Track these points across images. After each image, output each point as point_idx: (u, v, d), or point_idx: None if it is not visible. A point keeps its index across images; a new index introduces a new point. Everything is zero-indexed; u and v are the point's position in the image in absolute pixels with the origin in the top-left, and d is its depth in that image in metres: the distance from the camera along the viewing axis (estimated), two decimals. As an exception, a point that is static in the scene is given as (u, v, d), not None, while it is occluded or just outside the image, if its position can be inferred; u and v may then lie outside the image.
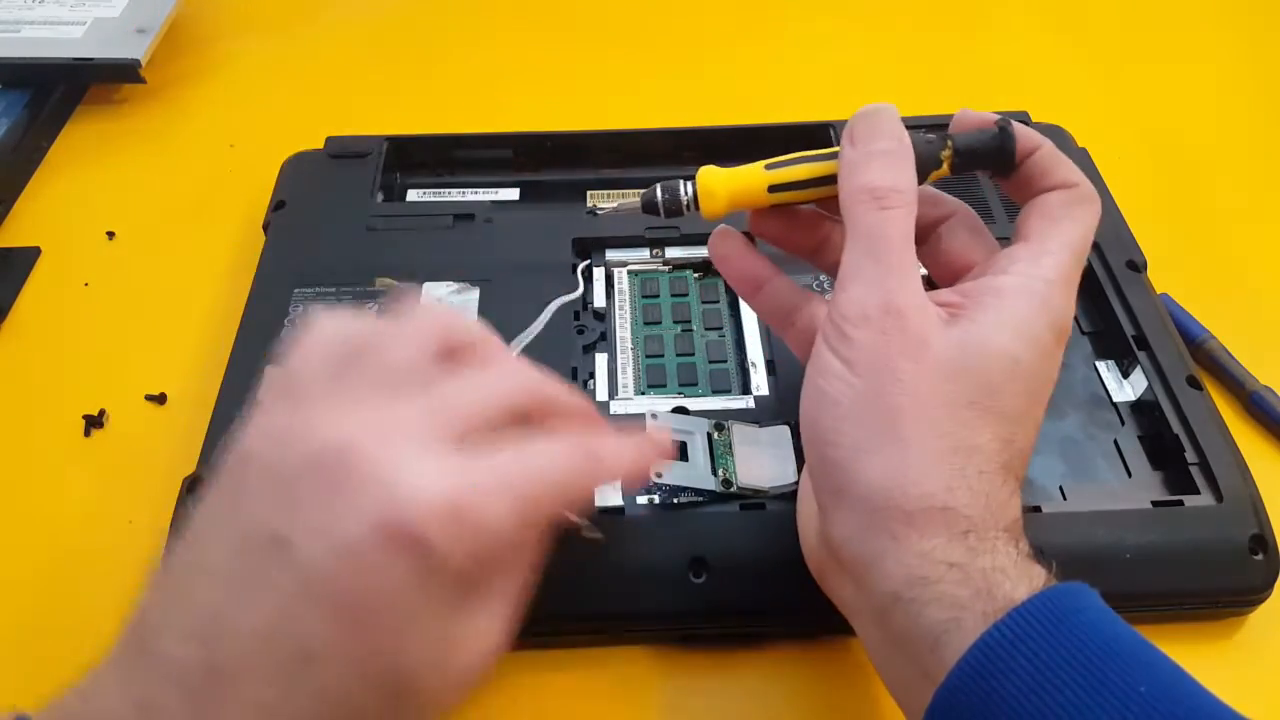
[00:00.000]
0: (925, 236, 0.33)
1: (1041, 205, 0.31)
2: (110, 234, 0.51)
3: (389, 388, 0.26)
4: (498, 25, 0.65)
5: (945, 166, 0.31)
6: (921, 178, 0.30)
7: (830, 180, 0.31)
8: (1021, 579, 0.25)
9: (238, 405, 0.38)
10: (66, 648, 0.35)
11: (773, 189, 0.32)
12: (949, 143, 0.31)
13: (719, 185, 0.32)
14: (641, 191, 0.33)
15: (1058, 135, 0.48)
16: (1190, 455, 0.36)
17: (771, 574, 0.34)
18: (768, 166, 0.32)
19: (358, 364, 0.27)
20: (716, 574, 0.34)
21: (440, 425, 0.26)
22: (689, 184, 0.33)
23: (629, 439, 0.30)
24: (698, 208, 0.32)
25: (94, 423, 0.42)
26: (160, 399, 0.43)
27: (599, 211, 0.35)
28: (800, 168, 0.32)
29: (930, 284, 0.31)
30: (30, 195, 0.53)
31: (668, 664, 0.35)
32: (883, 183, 0.29)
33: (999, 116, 0.32)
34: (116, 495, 0.40)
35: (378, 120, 0.55)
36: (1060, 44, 0.62)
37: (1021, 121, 0.48)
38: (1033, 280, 0.29)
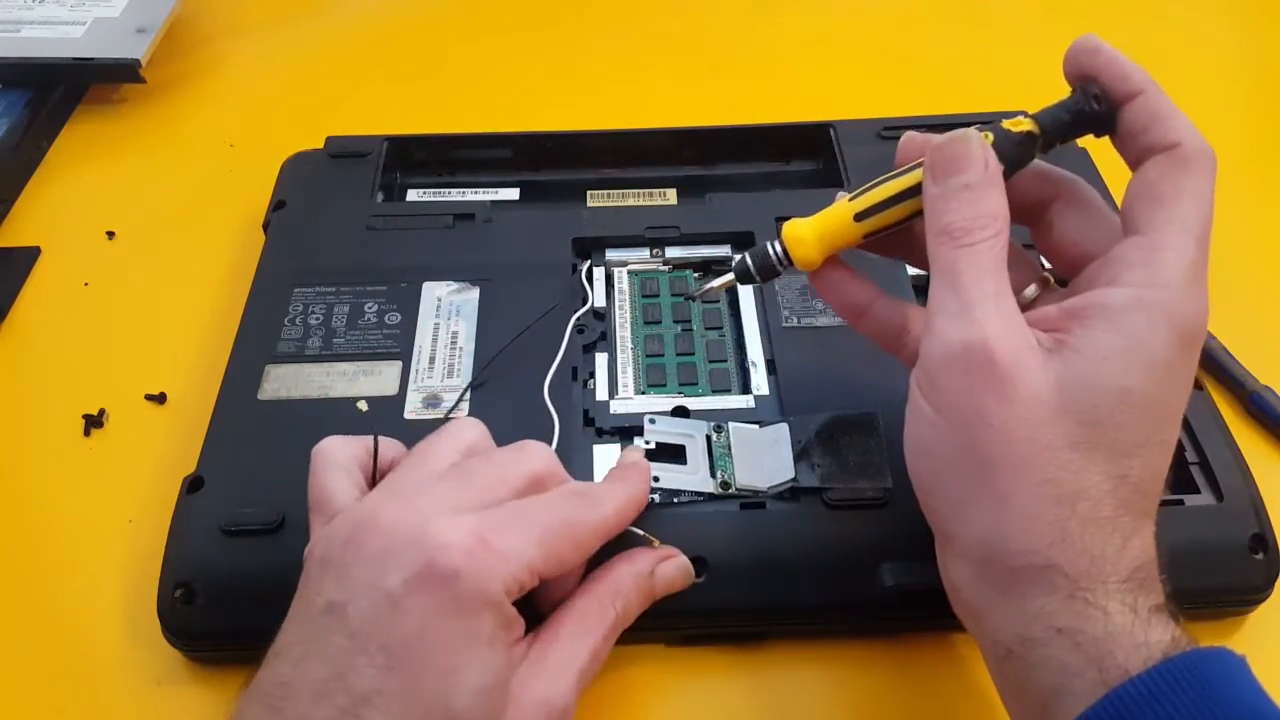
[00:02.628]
0: (1037, 219, 0.31)
1: (1143, 184, 0.27)
2: (110, 234, 0.51)
3: (425, 479, 0.29)
4: (497, 25, 0.65)
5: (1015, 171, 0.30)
6: (1011, 174, 0.29)
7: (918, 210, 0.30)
8: (1137, 650, 0.24)
9: (238, 404, 0.38)
10: (66, 647, 0.35)
11: (859, 217, 0.31)
12: (1037, 134, 0.29)
13: (805, 228, 0.32)
14: (733, 264, 0.33)
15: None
16: (1190, 455, 0.36)
17: (772, 573, 0.34)
18: (852, 198, 0.31)
19: (394, 472, 0.30)
20: (717, 573, 0.33)
21: (465, 496, 0.28)
22: (774, 240, 0.32)
23: (610, 477, 0.33)
24: (790, 261, 0.32)
25: (94, 423, 0.42)
26: (160, 399, 0.43)
27: (696, 294, 0.36)
28: (888, 212, 0.31)
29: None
30: (30, 195, 0.53)
31: (670, 663, 0.35)
32: (962, 222, 0.27)
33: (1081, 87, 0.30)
34: (116, 495, 0.40)
35: (377, 120, 0.55)
36: (1062, 42, 0.62)
37: (1021, 120, 0.48)
38: (1150, 290, 0.26)
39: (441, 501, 0.28)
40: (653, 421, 0.37)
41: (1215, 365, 0.42)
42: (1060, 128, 0.29)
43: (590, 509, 0.30)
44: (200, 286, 0.48)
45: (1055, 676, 0.25)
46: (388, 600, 0.25)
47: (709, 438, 0.37)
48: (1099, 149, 0.47)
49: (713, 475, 0.36)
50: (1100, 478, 0.25)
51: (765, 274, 0.32)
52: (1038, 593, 0.25)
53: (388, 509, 0.27)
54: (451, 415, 0.37)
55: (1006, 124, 0.29)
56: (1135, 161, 0.28)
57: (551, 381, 0.38)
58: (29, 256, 0.49)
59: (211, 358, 0.44)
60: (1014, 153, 0.29)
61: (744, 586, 0.34)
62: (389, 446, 0.32)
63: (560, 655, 0.28)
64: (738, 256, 0.33)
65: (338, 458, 0.31)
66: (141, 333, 0.46)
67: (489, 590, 0.26)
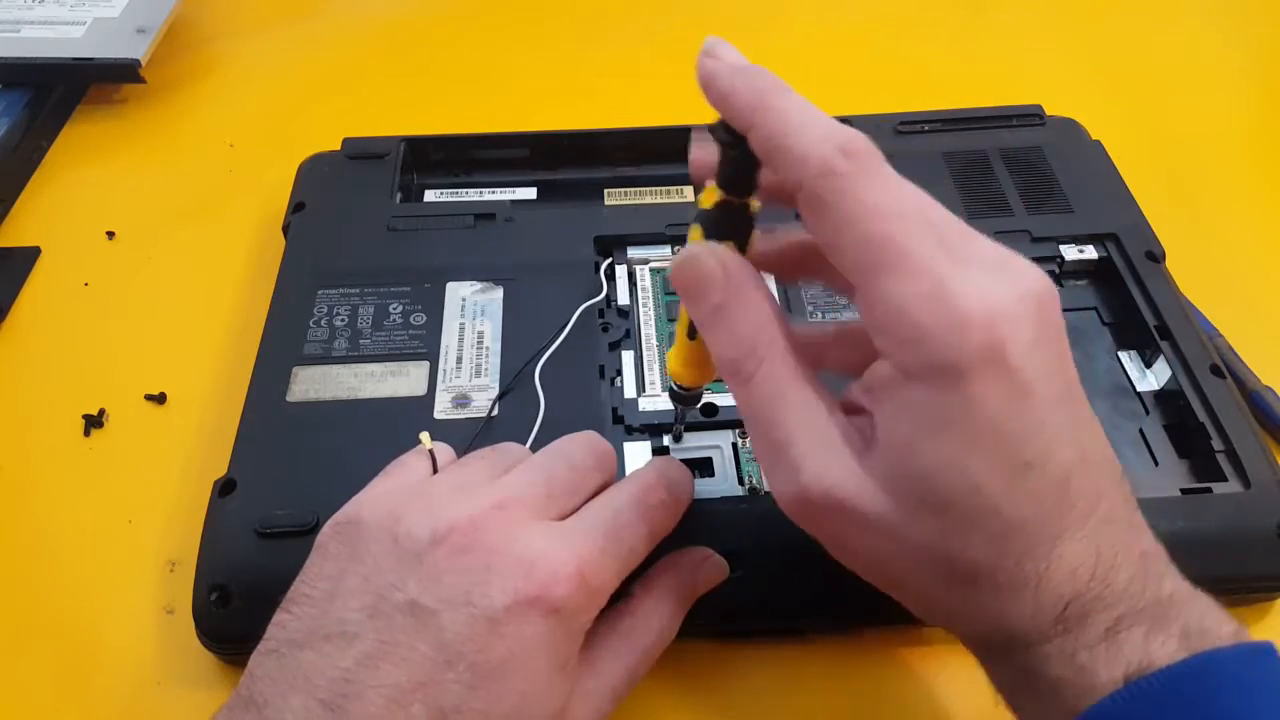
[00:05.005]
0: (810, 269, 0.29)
1: (804, 231, 0.25)
2: (110, 234, 0.50)
3: (491, 472, 0.29)
4: (501, 23, 0.64)
5: (748, 236, 0.27)
6: (743, 243, 0.27)
7: None
8: (1080, 698, 0.24)
9: (267, 406, 0.38)
10: (66, 648, 0.35)
11: (691, 335, 0.30)
12: (726, 198, 0.27)
13: (672, 361, 0.32)
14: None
15: (1071, 128, 0.49)
16: (1216, 443, 0.36)
17: (807, 567, 0.34)
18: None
19: (461, 461, 0.31)
20: (751, 568, 0.34)
21: (553, 505, 0.28)
22: (668, 377, 0.33)
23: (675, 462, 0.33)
24: (680, 384, 0.32)
25: (94, 423, 0.42)
26: (160, 399, 0.43)
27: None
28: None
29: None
30: (30, 195, 0.52)
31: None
32: (731, 354, 0.26)
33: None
34: (116, 495, 0.39)
35: (379, 121, 0.55)
36: (1073, 37, 0.63)
37: (1035, 115, 0.49)
38: (897, 354, 0.24)
39: (528, 505, 0.28)
40: (677, 440, 0.37)
41: (1219, 362, 0.43)
42: (731, 179, 0.26)
43: (670, 501, 0.30)
44: (201, 286, 0.47)
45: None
46: (487, 620, 0.25)
47: (735, 445, 0.37)
48: (1112, 147, 0.49)
49: (740, 482, 0.36)
50: (983, 545, 0.24)
51: (688, 402, 0.33)
52: (998, 661, 0.26)
53: (480, 513, 0.27)
54: (491, 416, 0.38)
55: (700, 199, 0.27)
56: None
57: (544, 366, 0.38)
58: (29, 256, 0.49)
59: (213, 357, 0.44)
60: (722, 229, 0.27)
61: (779, 581, 0.34)
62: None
63: (600, 679, 0.29)
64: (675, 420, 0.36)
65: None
66: (141, 333, 0.46)
67: (580, 624, 0.27)
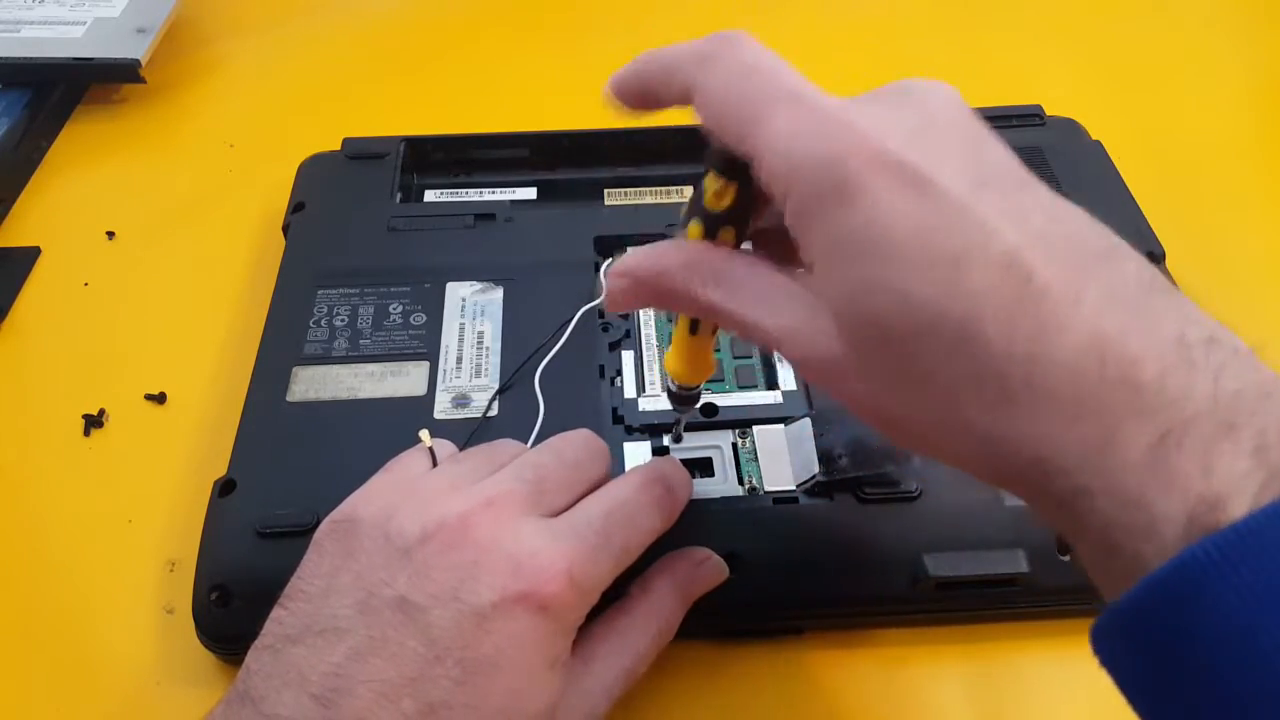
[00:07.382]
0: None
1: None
2: (110, 234, 0.50)
3: (485, 469, 0.30)
4: (502, 23, 0.64)
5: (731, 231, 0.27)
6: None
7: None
8: (1137, 533, 0.19)
9: (267, 406, 0.38)
10: (66, 648, 0.35)
11: (692, 330, 0.30)
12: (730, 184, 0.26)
13: (671, 360, 0.32)
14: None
15: (1071, 128, 0.49)
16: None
17: (806, 567, 0.34)
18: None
19: (456, 457, 0.31)
20: (750, 568, 0.34)
21: (545, 501, 0.28)
22: (666, 379, 0.33)
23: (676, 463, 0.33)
24: (681, 383, 0.32)
25: (94, 423, 0.42)
26: (160, 399, 0.43)
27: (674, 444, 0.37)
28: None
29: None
30: (30, 195, 0.52)
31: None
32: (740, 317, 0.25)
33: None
34: (116, 495, 0.39)
35: (379, 121, 0.55)
36: (1073, 37, 0.63)
37: (1035, 115, 0.49)
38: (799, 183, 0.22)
39: (525, 508, 0.28)
40: (677, 440, 0.37)
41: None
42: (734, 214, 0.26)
43: (667, 500, 0.30)
44: (201, 286, 0.47)
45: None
46: (475, 616, 0.25)
47: (735, 445, 0.37)
48: (1111, 147, 0.49)
49: (740, 482, 0.36)
50: (945, 360, 0.21)
51: (687, 402, 0.33)
52: (1045, 506, 0.22)
53: (471, 511, 0.27)
54: (488, 416, 0.38)
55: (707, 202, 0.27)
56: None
57: (544, 370, 0.38)
58: (29, 256, 0.49)
59: (213, 357, 0.44)
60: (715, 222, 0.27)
61: (778, 581, 0.34)
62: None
63: (595, 679, 0.29)
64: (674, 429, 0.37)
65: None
66: (141, 333, 0.46)
67: (570, 622, 0.27)
